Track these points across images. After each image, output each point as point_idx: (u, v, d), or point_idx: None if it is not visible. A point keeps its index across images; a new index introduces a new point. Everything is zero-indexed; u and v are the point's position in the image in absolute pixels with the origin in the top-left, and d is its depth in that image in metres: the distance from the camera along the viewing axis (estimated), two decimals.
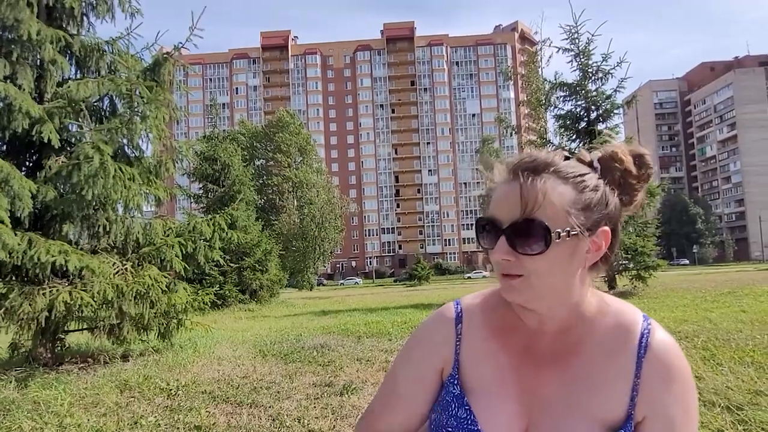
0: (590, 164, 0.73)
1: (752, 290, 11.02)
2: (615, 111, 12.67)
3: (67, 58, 5.47)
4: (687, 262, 68.43)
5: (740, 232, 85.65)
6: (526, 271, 0.68)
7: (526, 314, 0.76)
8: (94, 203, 4.81)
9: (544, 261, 0.67)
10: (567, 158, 0.73)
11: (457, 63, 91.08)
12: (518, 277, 0.69)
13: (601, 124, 12.73)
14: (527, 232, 0.66)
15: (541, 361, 0.74)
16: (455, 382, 0.77)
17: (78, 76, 5.61)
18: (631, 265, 11.94)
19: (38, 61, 5.21)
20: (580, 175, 0.70)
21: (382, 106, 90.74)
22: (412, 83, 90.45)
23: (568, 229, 0.67)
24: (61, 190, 4.90)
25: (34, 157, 5.36)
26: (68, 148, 5.23)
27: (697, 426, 0.70)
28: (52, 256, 4.37)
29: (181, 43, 5.38)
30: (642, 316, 0.74)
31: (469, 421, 0.73)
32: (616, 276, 12.31)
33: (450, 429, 0.74)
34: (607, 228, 0.71)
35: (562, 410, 0.70)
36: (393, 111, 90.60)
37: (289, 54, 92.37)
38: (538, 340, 0.75)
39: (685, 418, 0.69)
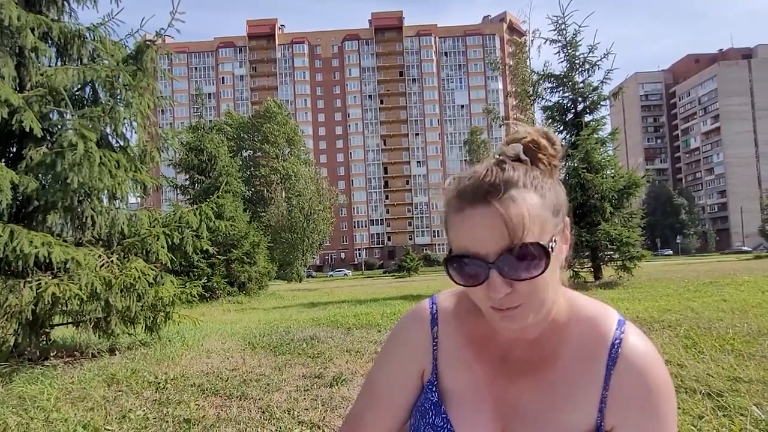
0: (518, 159, 0.68)
1: (733, 280, 11.29)
2: (601, 102, 12.78)
3: (48, 45, 5.32)
4: (671, 252, 69.72)
5: (722, 222, 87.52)
6: (523, 297, 0.63)
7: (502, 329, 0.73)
8: (78, 192, 4.72)
9: (540, 280, 0.63)
10: (501, 161, 0.67)
11: (445, 53, 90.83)
12: (517, 308, 0.64)
13: (588, 115, 12.84)
14: (523, 258, 0.61)
15: (515, 371, 0.73)
16: (433, 388, 0.77)
17: (59, 64, 5.47)
18: (617, 256, 12.13)
19: (18, 48, 5.06)
20: (533, 178, 0.65)
21: (370, 96, 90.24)
22: (401, 74, 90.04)
23: (554, 237, 0.64)
24: (43, 181, 4.80)
25: (13, 148, 5.23)
26: (49, 138, 5.11)
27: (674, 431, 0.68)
28: (35, 248, 4.28)
29: (163, 29, 5.26)
30: (616, 323, 0.71)
31: (446, 430, 0.73)
32: (602, 266, 12.51)
33: None
34: (567, 218, 0.69)
35: (535, 420, 0.70)
36: (381, 102, 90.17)
37: (276, 43, 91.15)
38: (513, 350, 0.74)
39: (657, 428, 0.66)
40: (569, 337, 0.71)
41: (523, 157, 0.67)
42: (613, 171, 12.38)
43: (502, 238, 0.61)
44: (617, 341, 0.69)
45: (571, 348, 0.71)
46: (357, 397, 0.85)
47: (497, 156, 0.69)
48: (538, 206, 0.63)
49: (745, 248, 66.17)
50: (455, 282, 0.67)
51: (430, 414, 0.75)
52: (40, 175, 4.73)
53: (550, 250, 0.62)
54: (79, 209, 5.03)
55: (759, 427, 2.47)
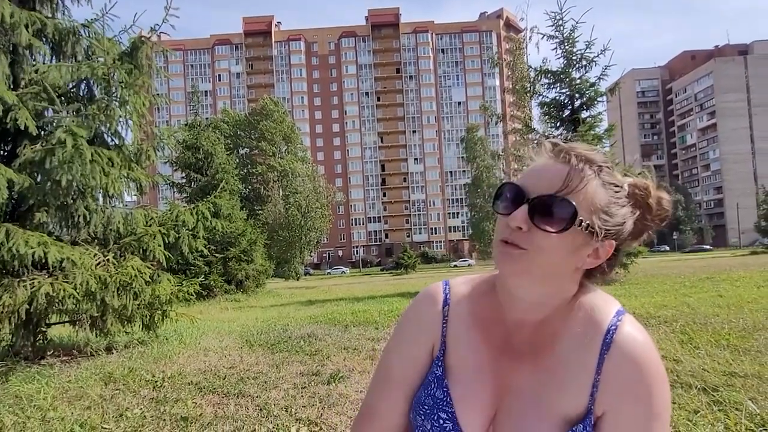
0: (619, 185, 0.75)
1: (729, 275, 11.35)
2: (598, 99, 12.77)
3: (42, 42, 5.28)
4: (667, 248, 70.04)
5: (718, 218, 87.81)
6: (532, 245, 0.68)
7: (511, 303, 0.77)
8: (71, 191, 4.69)
9: (553, 242, 0.68)
10: (609, 166, 0.75)
11: (442, 50, 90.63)
12: (519, 249, 0.69)
13: (584, 112, 12.84)
14: (553, 209, 0.68)
15: (517, 354, 0.76)
16: (440, 363, 0.79)
17: (53, 62, 5.43)
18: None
19: (11, 46, 5.02)
20: (617, 187, 0.73)
21: (367, 93, 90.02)
22: (398, 71, 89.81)
23: (588, 223, 0.68)
24: (37, 179, 4.77)
25: (8, 147, 5.20)
26: (44, 136, 5.08)
27: (667, 420, 0.69)
28: (31, 248, 4.26)
29: (157, 24, 5.23)
30: (615, 312, 0.73)
31: (445, 403, 0.76)
32: None
33: (426, 407, 0.77)
34: (614, 242, 0.73)
35: (528, 402, 0.72)
36: (378, 99, 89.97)
37: (273, 40, 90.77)
38: (518, 333, 0.77)
39: (650, 414, 0.67)
40: (569, 323, 0.74)
41: (626, 186, 0.75)
42: None
43: (552, 185, 0.69)
44: (613, 327, 0.71)
45: (570, 333, 0.73)
46: (369, 389, 0.87)
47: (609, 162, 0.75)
48: (599, 196, 0.70)
49: (706, 246, 68.62)
50: (493, 208, 0.75)
51: (433, 386, 0.78)
52: (34, 173, 4.70)
53: (578, 220, 0.67)
54: (73, 208, 5.00)
55: (754, 421, 2.48)
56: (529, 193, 0.69)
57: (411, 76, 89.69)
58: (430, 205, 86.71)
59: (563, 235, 0.67)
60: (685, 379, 3.22)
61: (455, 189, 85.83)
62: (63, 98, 4.86)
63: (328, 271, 67.90)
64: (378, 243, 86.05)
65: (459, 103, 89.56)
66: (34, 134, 4.68)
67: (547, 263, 0.69)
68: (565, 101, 12.99)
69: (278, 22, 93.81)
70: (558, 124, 13.09)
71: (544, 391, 0.72)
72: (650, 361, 0.69)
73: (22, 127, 4.51)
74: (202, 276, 14.60)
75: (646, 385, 0.68)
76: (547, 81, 13.14)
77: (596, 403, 0.69)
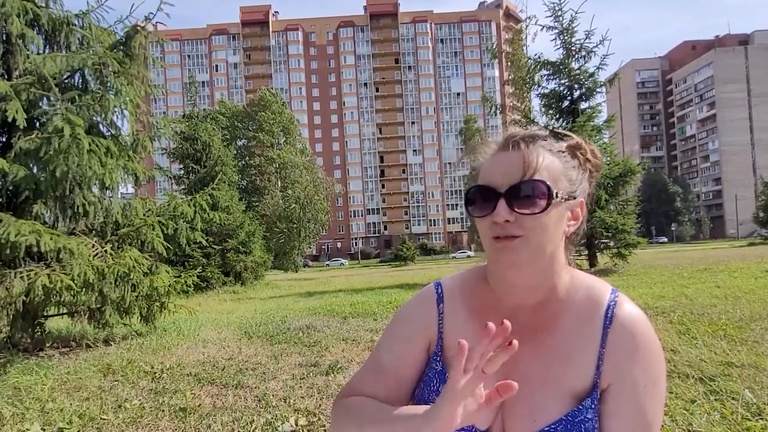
0: (560, 149, 0.79)
1: (727, 266, 11.39)
2: (597, 89, 12.71)
3: (36, 32, 5.21)
4: (665, 239, 70.22)
5: (716, 210, 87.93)
6: (524, 230, 0.70)
7: (506, 290, 0.78)
8: (68, 181, 4.65)
9: (541, 221, 0.71)
10: (542, 134, 0.79)
11: (441, 40, 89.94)
12: (516, 239, 0.71)
13: (584, 102, 12.79)
14: (529, 193, 0.70)
15: (517, 338, 0.75)
16: (438, 359, 0.80)
17: (47, 52, 5.36)
18: (612, 243, 12.18)
19: (4, 35, 4.96)
20: (560, 151, 0.76)
21: (366, 84, 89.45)
22: (396, 61, 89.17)
23: (562, 194, 0.72)
24: (33, 170, 4.73)
25: (3, 137, 5.15)
26: (38, 126, 5.03)
27: (665, 391, 0.73)
28: (23, 236, 4.23)
29: (152, 13, 5.17)
30: (610, 290, 0.78)
31: None
32: (597, 254, 12.56)
33: (431, 404, 0.75)
34: (583, 200, 0.77)
35: (536, 383, 0.73)
36: (377, 89, 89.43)
37: (270, 30, 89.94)
38: (516, 318, 0.77)
39: (651, 382, 0.71)
40: (568, 305, 0.77)
41: (563, 148, 0.79)
42: (608, 158, 12.38)
43: (516, 174, 0.71)
44: (612, 303, 0.76)
45: (570, 315, 0.76)
46: (361, 367, 0.86)
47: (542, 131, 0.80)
48: (556, 164, 0.74)
49: (665, 239, 70.25)
50: (470, 213, 0.76)
51: (435, 382, 0.79)
52: (29, 163, 4.66)
53: (554, 194, 0.71)
54: (70, 199, 4.97)
55: (750, 410, 2.49)
56: (499, 187, 0.71)
57: (410, 67, 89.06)
58: (428, 197, 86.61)
59: (548, 210, 0.71)
60: (683, 369, 3.23)
61: (454, 180, 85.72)
62: (57, 89, 4.79)
63: (327, 263, 67.97)
64: (377, 235, 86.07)
65: (458, 94, 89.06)
66: (25, 125, 4.63)
67: (544, 240, 0.72)
68: (564, 92, 12.93)
69: (276, 12, 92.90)
70: (557, 115, 13.04)
71: (549, 370, 0.74)
72: (649, 332, 0.74)
73: (11, 119, 4.46)
74: (200, 268, 14.60)
75: (648, 355, 0.72)
76: (546, 72, 13.07)
77: (602, 377, 0.73)
